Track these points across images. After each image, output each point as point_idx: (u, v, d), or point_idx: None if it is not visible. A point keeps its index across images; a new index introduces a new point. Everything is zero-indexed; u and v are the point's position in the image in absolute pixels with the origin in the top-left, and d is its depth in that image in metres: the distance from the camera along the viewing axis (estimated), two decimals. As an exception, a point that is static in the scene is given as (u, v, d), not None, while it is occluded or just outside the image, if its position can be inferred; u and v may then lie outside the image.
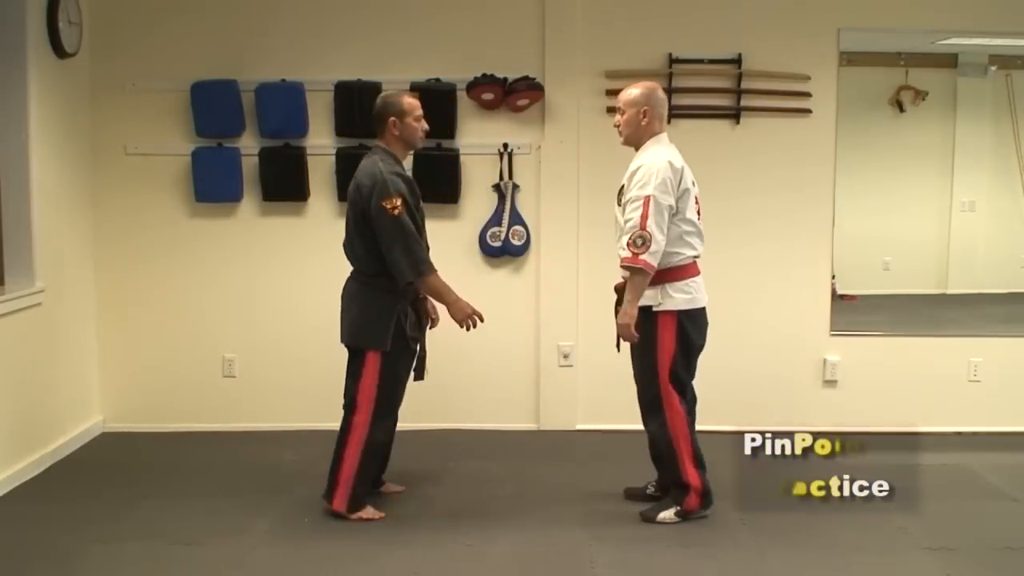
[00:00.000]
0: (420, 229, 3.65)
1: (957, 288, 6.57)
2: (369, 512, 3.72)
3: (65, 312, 4.54)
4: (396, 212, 3.51)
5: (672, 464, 3.67)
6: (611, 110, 4.74)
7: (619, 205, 3.65)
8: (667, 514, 3.69)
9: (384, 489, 3.94)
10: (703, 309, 3.67)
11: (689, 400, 3.70)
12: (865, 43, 5.27)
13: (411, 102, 3.66)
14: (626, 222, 3.52)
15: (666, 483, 3.78)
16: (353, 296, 3.70)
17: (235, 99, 4.68)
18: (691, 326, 3.63)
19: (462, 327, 3.65)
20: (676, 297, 3.58)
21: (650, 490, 3.91)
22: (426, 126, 3.73)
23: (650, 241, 3.45)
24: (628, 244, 3.48)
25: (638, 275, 3.49)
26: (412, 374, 3.76)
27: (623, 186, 3.64)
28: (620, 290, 3.71)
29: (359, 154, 4.69)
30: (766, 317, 4.87)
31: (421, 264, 3.56)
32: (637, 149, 3.69)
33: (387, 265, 3.57)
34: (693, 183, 3.64)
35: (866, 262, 6.40)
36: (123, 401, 4.91)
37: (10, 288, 4.23)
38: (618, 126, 3.71)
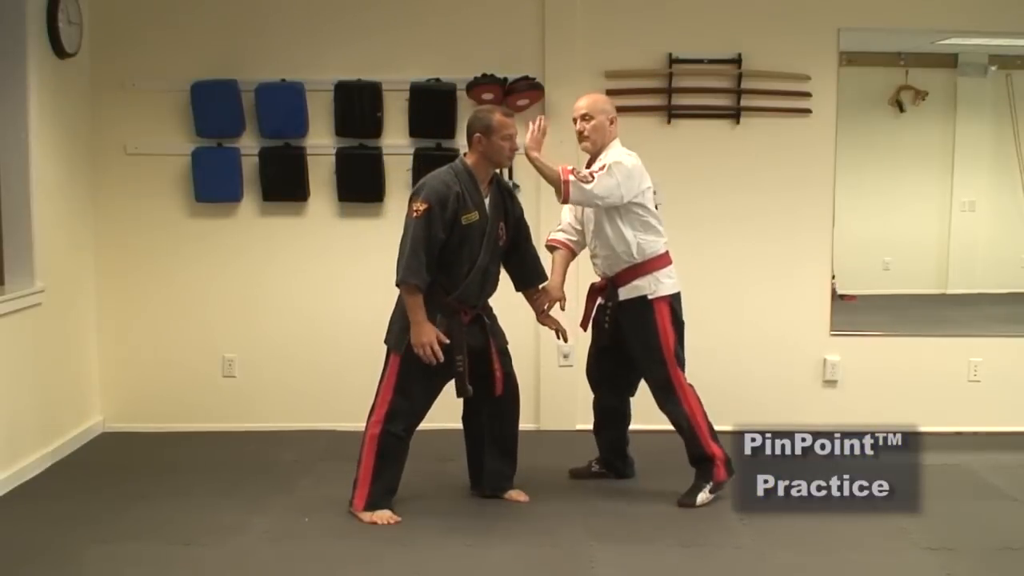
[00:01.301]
0: (462, 242, 3.59)
1: (957, 288, 6.59)
2: (383, 516, 3.68)
3: (65, 312, 4.54)
4: (415, 215, 3.53)
5: (694, 440, 3.81)
6: (611, 110, 4.76)
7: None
8: (703, 496, 3.81)
9: (508, 497, 3.89)
10: (680, 293, 3.87)
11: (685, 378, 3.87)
12: (865, 43, 5.27)
13: (502, 120, 3.62)
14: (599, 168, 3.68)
15: (692, 459, 3.87)
16: (400, 297, 3.71)
17: (235, 99, 4.68)
18: (679, 308, 3.85)
19: (416, 350, 3.56)
20: (666, 283, 3.80)
21: (594, 468, 4.12)
22: (516, 146, 3.67)
23: (613, 175, 3.62)
24: (582, 176, 3.63)
25: (549, 171, 3.63)
26: (456, 390, 3.71)
27: None
28: (602, 288, 3.92)
29: (359, 154, 4.76)
30: (766, 317, 4.87)
31: (407, 272, 3.52)
32: (595, 156, 3.80)
33: (463, 273, 3.63)
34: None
35: (866, 262, 6.42)
36: (123, 401, 4.91)
37: (10, 288, 4.23)
38: (583, 132, 3.79)
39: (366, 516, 3.68)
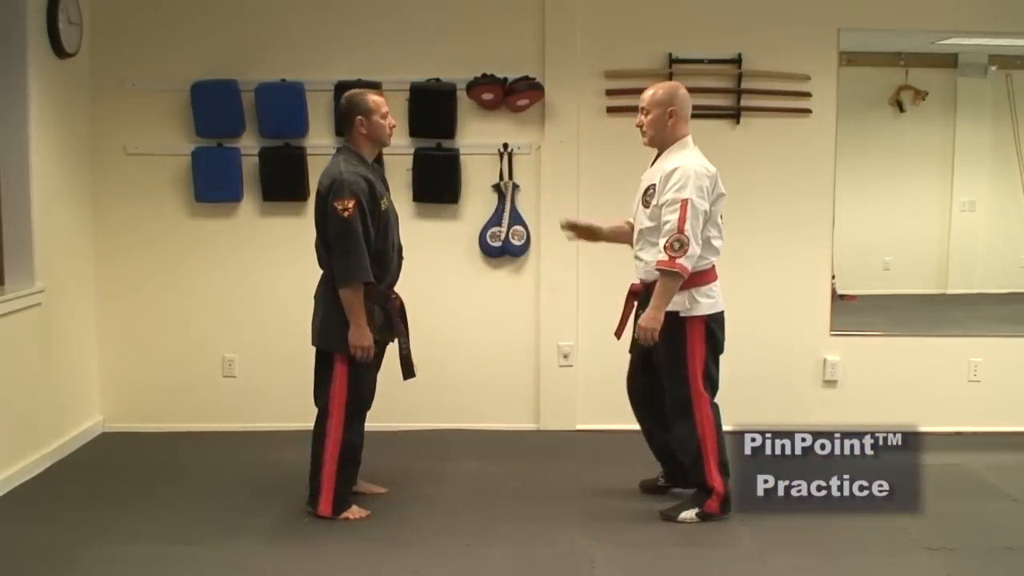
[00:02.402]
0: (386, 228, 3.62)
1: (957, 288, 6.59)
2: (355, 512, 3.70)
3: (65, 312, 4.54)
4: (346, 214, 3.47)
5: (698, 467, 3.68)
6: (611, 110, 4.76)
7: (644, 206, 3.64)
8: (688, 514, 3.69)
9: (360, 489, 3.86)
10: (723, 312, 3.69)
11: (715, 405, 3.70)
12: (865, 43, 5.27)
13: (376, 99, 3.64)
14: (664, 223, 3.51)
15: (690, 483, 3.78)
16: (320, 298, 3.66)
17: (235, 99, 4.68)
18: (717, 329, 3.66)
19: (353, 352, 3.55)
20: (703, 302, 3.60)
21: (661, 482, 3.94)
22: (393, 122, 3.69)
23: (687, 245, 3.45)
24: (665, 247, 3.48)
25: (671, 279, 3.49)
26: (402, 373, 3.70)
27: (651, 186, 3.62)
28: (637, 292, 3.73)
29: (358, 154, 4.74)
30: (766, 317, 4.86)
31: (355, 272, 3.49)
32: (661, 151, 3.67)
33: (333, 264, 3.55)
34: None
35: (866, 262, 6.42)
36: (123, 401, 4.91)
37: (10, 288, 4.22)
38: (641, 126, 3.67)
39: (340, 518, 3.67)
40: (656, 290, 3.52)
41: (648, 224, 3.62)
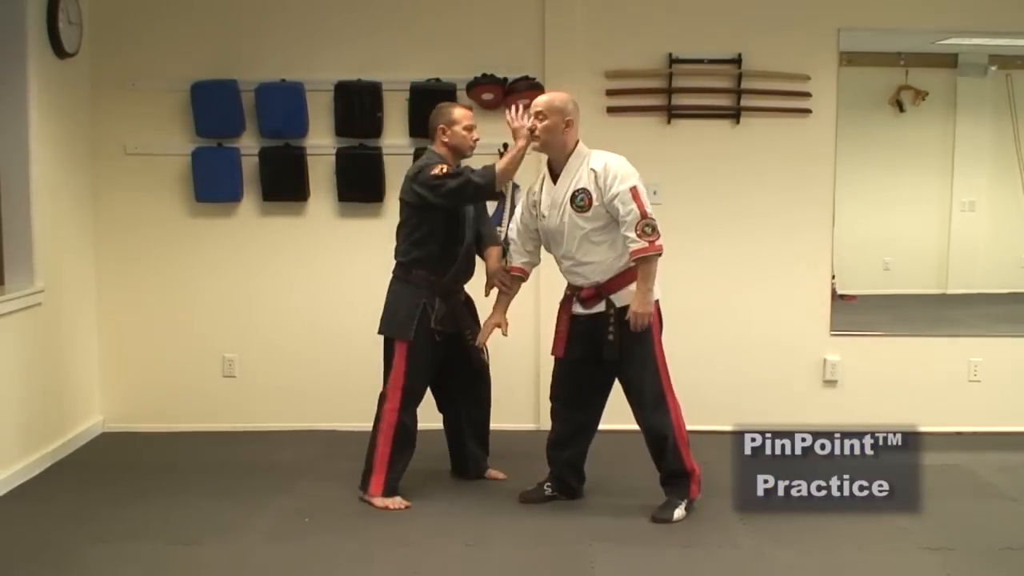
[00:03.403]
0: (457, 225, 3.83)
1: (957, 288, 6.57)
2: (397, 502, 3.81)
3: (65, 312, 4.54)
4: (444, 171, 3.68)
5: (676, 454, 3.73)
6: (611, 110, 4.76)
7: (580, 211, 3.62)
8: (679, 512, 3.73)
9: (489, 475, 4.15)
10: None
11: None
12: (865, 43, 5.26)
13: (462, 112, 3.87)
14: (624, 216, 3.55)
15: (667, 475, 3.79)
16: (389, 286, 3.89)
17: (235, 99, 4.68)
18: (659, 312, 3.74)
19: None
20: (655, 288, 3.65)
21: (547, 491, 3.94)
22: (477, 136, 3.89)
23: (656, 225, 3.54)
24: (639, 235, 3.53)
25: (653, 261, 3.56)
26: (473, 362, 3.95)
27: (578, 191, 3.62)
28: (586, 298, 3.69)
29: (359, 154, 4.76)
30: (766, 317, 4.86)
31: (478, 177, 3.67)
32: (555, 157, 3.70)
33: (471, 198, 3.80)
34: None
35: (866, 262, 6.40)
36: (123, 401, 4.91)
37: (10, 288, 4.23)
38: (533, 130, 3.67)
39: (380, 502, 3.80)
40: (641, 277, 3.56)
41: (589, 226, 3.62)
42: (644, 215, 3.53)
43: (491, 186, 3.69)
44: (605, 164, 3.60)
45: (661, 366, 3.71)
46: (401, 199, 3.85)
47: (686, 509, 3.73)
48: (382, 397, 3.85)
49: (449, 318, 3.86)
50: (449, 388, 4.07)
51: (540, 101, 3.70)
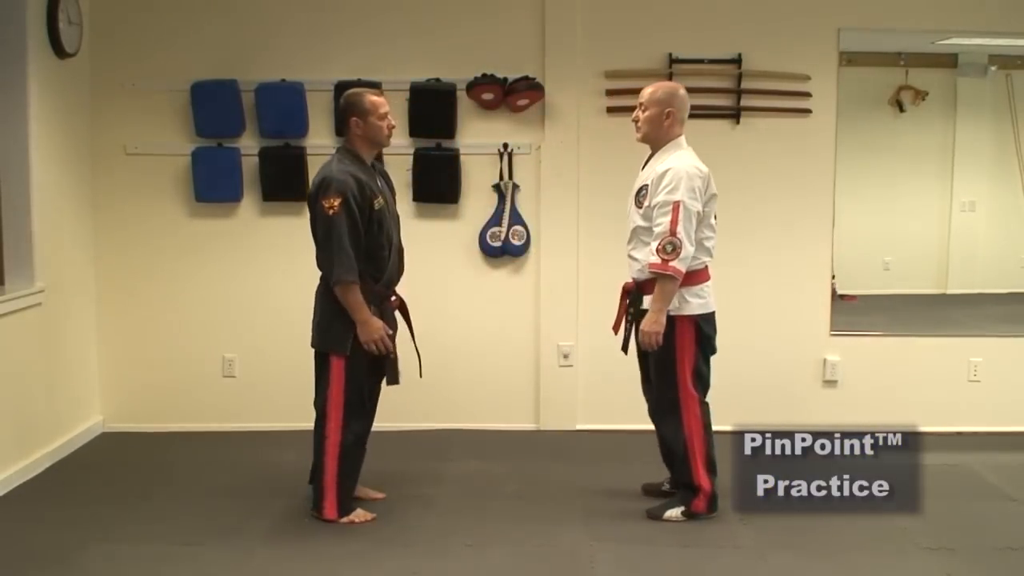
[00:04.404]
0: (380, 227, 3.57)
1: (957, 288, 6.58)
2: (360, 515, 3.68)
3: (65, 312, 4.54)
4: (331, 212, 3.44)
5: (684, 466, 3.68)
6: (611, 110, 4.76)
7: (637, 206, 3.63)
8: (674, 512, 3.71)
9: (359, 494, 3.81)
10: (714, 313, 3.68)
11: (705, 404, 3.69)
12: (865, 43, 5.27)
13: (375, 100, 3.59)
14: (655, 226, 3.51)
15: (677, 482, 3.79)
16: (318, 298, 3.64)
17: (235, 99, 4.68)
18: (708, 328, 3.65)
19: (368, 347, 3.54)
20: (693, 302, 3.59)
21: (666, 487, 3.91)
22: (392, 123, 3.65)
23: (680, 247, 3.46)
24: (658, 250, 3.48)
25: (668, 282, 3.49)
26: (385, 379, 3.69)
27: (643, 187, 3.61)
28: (629, 291, 3.71)
29: (359, 154, 4.73)
30: (766, 317, 4.87)
31: (346, 270, 3.46)
32: (653, 149, 3.67)
33: (319, 261, 3.55)
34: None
35: (866, 262, 6.41)
36: (123, 401, 4.91)
37: (10, 288, 4.23)
38: (636, 121, 3.67)
39: (344, 520, 3.65)
40: (654, 295, 3.53)
41: (641, 223, 3.62)
42: (672, 232, 3.46)
43: (329, 280, 3.49)
44: (670, 168, 3.53)
45: (682, 378, 3.61)
46: (310, 211, 3.59)
47: (683, 515, 3.69)
48: (322, 416, 3.61)
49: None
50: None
51: (644, 92, 3.66)
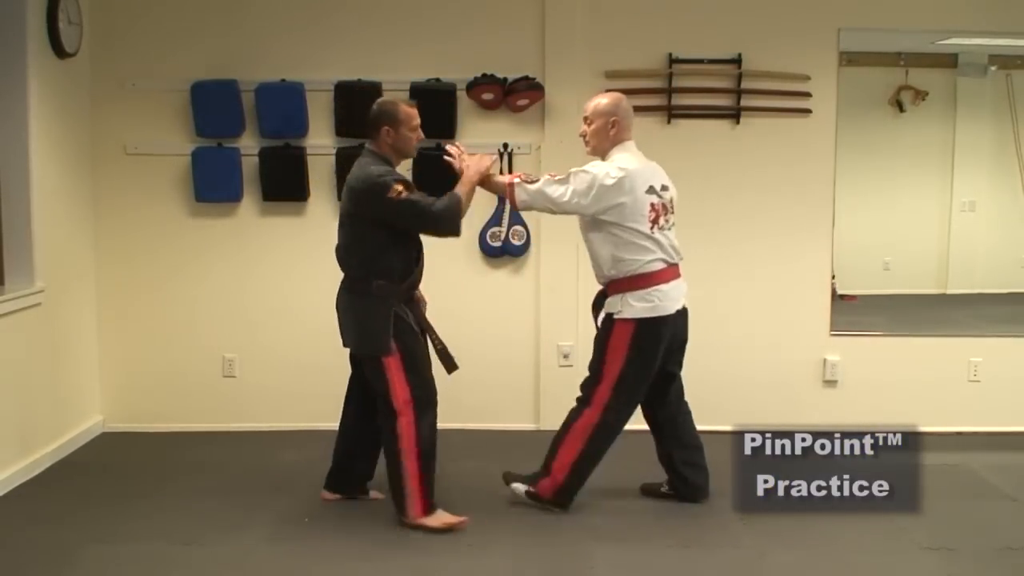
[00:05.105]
0: (408, 232, 3.64)
1: (957, 288, 6.58)
2: (449, 518, 3.60)
3: (65, 312, 4.54)
4: (403, 195, 3.48)
5: (555, 446, 3.77)
6: (611, 110, 4.76)
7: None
8: (519, 487, 3.83)
9: (359, 495, 3.85)
10: (669, 317, 3.66)
11: (613, 418, 3.70)
12: (865, 43, 5.27)
13: (408, 111, 3.61)
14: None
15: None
16: (350, 305, 3.64)
17: (235, 99, 4.68)
18: (651, 335, 3.64)
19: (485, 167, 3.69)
20: (636, 306, 3.61)
21: (664, 488, 3.93)
22: (421, 135, 3.70)
23: (536, 185, 3.63)
24: (524, 176, 3.68)
25: (502, 190, 3.69)
26: (445, 369, 3.70)
27: None
28: (596, 304, 3.79)
29: (359, 154, 4.73)
30: (766, 317, 4.87)
31: (447, 218, 3.52)
32: (603, 158, 3.70)
33: (431, 233, 3.59)
34: (654, 189, 3.63)
35: (866, 262, 6.41)
36: (123, 401, 4.91)
37: (10, 288, 4.23)
38: (584, 135, 3.73)
39: (434, 522, 3.57)
40: (470, 179, 3.65)
41: (584, 226, 3.73)
42: (550, 177, 3.63)
43: (454, 229, 3.56)
44: (588, 168, 3.63)
45: (604, 380, 3.67)
46: (350, 213, 3.59)
47: (527, 494, 3.80)
48: (391, 417, 3.56)
49: (417, 320, 3.66)
50: (372, 403, 3.70)
51: (588, 105, 3.73)
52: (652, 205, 3.60)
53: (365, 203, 3.53)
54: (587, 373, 3.79)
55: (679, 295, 3.71)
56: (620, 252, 3.60)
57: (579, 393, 3.79)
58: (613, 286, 3.66)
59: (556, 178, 3.62)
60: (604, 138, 3.67)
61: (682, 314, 3.75)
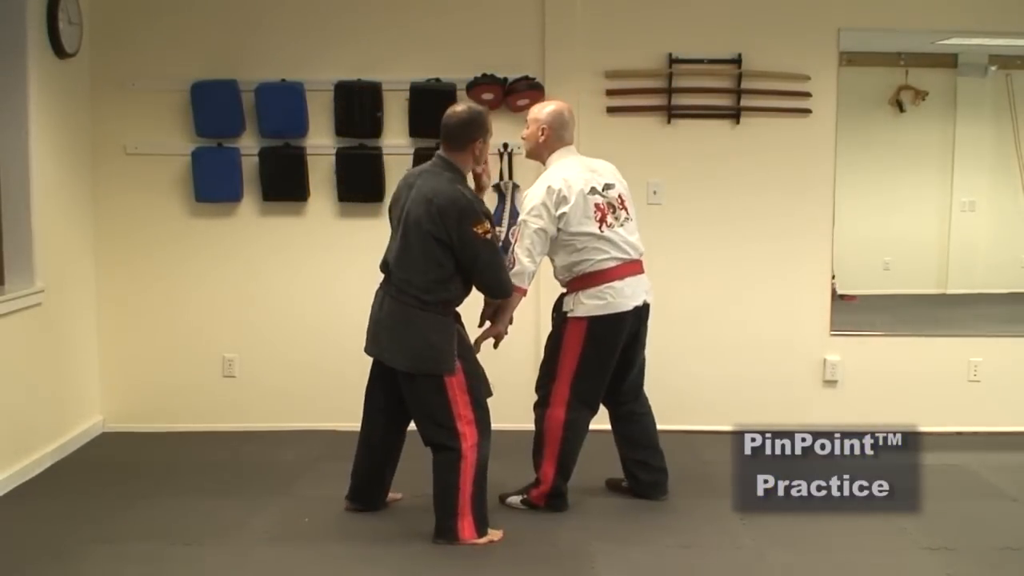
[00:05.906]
0: None
1: (957, 288, 6.57)
2: (497, 534, 3.55)
3: (65, 312, 4.54)
4: (489, 235, 3.40)
5: (536, 456, 3.79)
6: (611, 110, 4.76)
7: None
8: (515, 499, 3.83)
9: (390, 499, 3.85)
10: (626, 314, 3.66)
11: (580, 413, 3.73)
12: (865, 43, 5.27)
13: (491, 128, 3.52)
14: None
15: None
16: (410, 322, 3.45)
17: (235, 99, 4.68)
18: (605, 332, 3.67)
19: (492, 340, 3.71)
20: (587, 304, 3.64)
21: (625, 484, 3.98)
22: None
23: (513, 264, 3.60)
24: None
25: (511, 296, 3.64)
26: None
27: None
28: (556, 307, 3.82)
29: (359, 154, 4.75)
30: (766, 317, 4.86)
31: (510, 283, 3.54)
32: (543, 163, 3.77)
33: (473, 286, 3.52)
34: (596, 190, 3.65)
35: (866, 262, 6.40)
36: (123, 401, 4.91)
37: (10, 288, 4.23)
38: (523, 136, 3.81)
39: (483, 540, 3.50)
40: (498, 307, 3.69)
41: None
42: (519, 246, 3.60)
43: (506, 293, 3.56)
44: (528, 191, 3.70)
45: (560, 377, 3.71)
46: (425, 229, 3.37)
47: (522, 503, 3.82)
48: (454, 438, 3.41)
49: (466, 343, 3.61)
50: (403, 414, 3.64)
51: (531, 109, 3.80)
52: (597, 205, 3.64)
53: (441, 222, 3.35)
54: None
55: (637, 291, 3.69)
56: (573, 256, 3.65)
57: (536, 390, 3.83)
58: (568, 286, 3.72)
59: (516, 240, 3.64)
60: (535, 144, 3.74)
61: (643, 309, 3.74)
